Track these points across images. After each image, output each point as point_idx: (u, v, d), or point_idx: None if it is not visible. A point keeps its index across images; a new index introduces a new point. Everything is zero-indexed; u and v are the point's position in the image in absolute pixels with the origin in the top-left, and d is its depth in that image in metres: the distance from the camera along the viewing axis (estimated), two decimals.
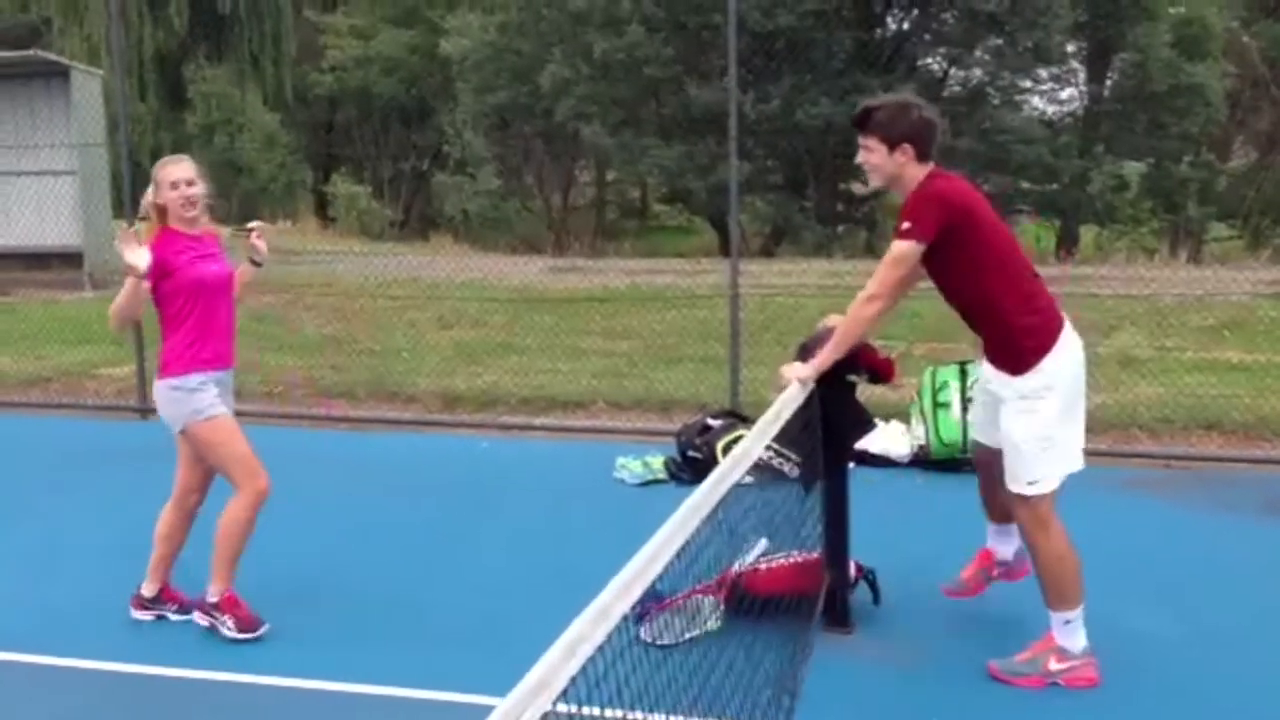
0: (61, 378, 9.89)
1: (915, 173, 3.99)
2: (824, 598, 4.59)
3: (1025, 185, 23.59)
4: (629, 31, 21.09)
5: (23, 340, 11.15)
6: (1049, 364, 3.92)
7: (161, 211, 4.45)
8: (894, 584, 4.90)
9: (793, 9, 20.45)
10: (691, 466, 6.76)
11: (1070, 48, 24.92)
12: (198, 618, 4.61)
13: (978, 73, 24.46)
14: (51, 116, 14.22)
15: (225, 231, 4.69)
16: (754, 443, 3.32)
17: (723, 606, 4.55)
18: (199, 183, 4.46)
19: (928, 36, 25.35)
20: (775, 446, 5.50)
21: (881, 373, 4.44)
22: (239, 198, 32.21)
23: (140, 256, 4.20)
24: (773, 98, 20.32)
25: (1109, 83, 26.57)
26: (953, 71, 25.45)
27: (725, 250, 28.25)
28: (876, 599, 4.75)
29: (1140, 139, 25.01)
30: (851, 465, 6.95)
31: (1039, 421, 3.93)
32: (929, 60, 25.53)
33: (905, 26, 24.81)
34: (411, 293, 12.32)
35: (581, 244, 24.87)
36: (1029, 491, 4.00)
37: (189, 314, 4.42)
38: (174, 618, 4.70)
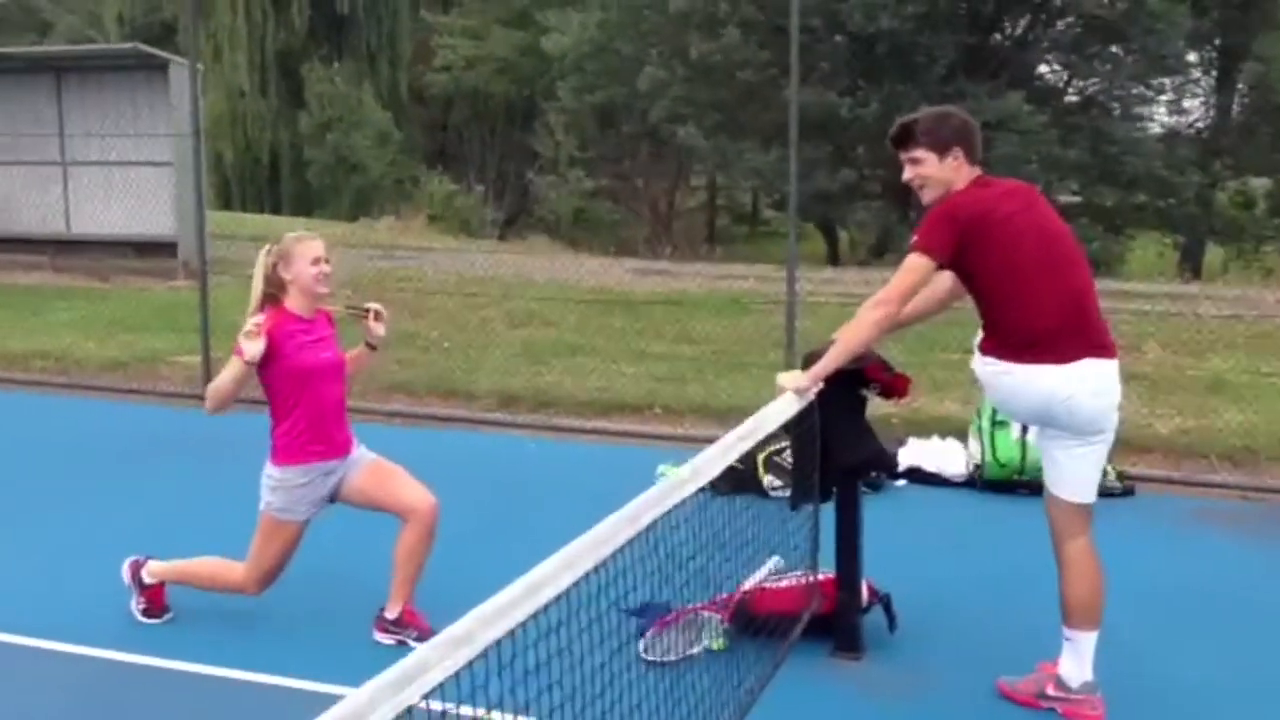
0: (137, 363, 10.08)
1: (966, 177, 3.90)
2: (835, 620, 4.40)
3: (1141, 199, 22.69)
4: (725, 34, 20.89)
5: (110, 325, 11.44)
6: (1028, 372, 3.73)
7: (280, 286, 4.30)
8: (920, 608, 4.67)
9: (896, 12, 20.05)
10: (732, 476, 6.55)
11: (1193, 57, 23.97)
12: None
13: (1092, 81, 23.67)
14: (152, 109, 14.58)
15: (339, 309, 4.51)
16: (714, 460, 3.13)
17: (726, 624, 4.38)
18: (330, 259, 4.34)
19: (1045, 44, 24.65)
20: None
21: (893, 389, 4.22)
22: (350, 194, 32.94)
23: (256, 346, 4.08)
24: (872, 102, 19.97)
25: (1236, 95, 25.51)
26: (1066, 79, 24.71)
27: (832, 258, 27.76)
28: (892, 626, 4.51)
29: (1266, 154, 23.92)
30: (902, 482, 6.83)
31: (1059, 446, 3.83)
32: (1042, 68, 24.81)
33: (1018, 32, 24.13)
34: (489, 291, 12.34)
35: (679, 249, 24.75)
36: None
37: (296, 402, 4.26)
38: (413, 644, 4.35)
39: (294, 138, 34.84)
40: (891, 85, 21.20)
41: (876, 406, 6.90)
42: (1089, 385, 3.70)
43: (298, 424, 4.27)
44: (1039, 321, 3.70)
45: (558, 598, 2.24)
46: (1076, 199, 23.33)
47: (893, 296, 3.81)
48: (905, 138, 3.92)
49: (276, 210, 31.99)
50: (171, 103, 13.94)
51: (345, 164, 32.87)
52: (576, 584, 2.31)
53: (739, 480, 6.40)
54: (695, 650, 4.29)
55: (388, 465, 4.51)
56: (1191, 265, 24.06)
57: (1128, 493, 6.57)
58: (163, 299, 13.17)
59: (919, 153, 3.89)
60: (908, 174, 3.95)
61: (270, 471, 4.33)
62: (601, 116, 27.74)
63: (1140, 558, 5.58)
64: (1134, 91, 24.03)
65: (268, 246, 4.38)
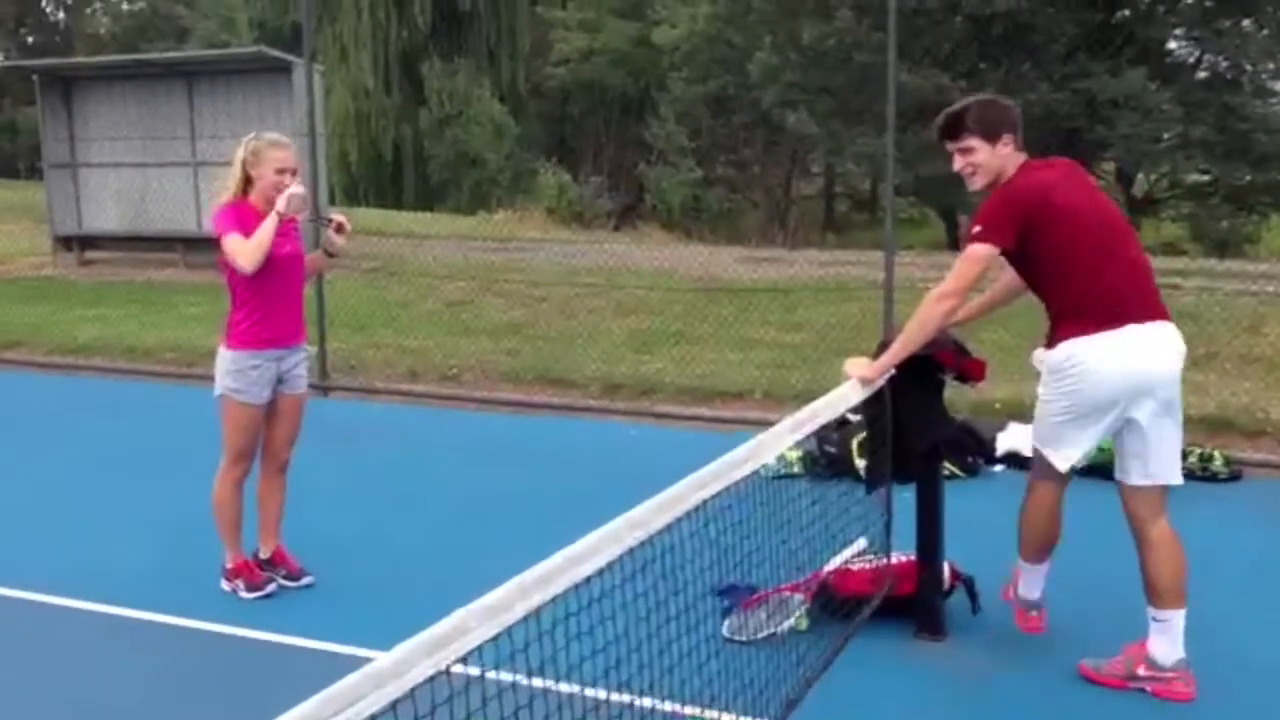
0: None
1: (1015, 163, 3.93)
2: (917, 602, 4.42)
3: (1274, 178, 21.79)
4: (839, 17, 20.70)
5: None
6: (1081, 346, 3.78)
7: (246, 180, 4.58)
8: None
9: None
10: (827, 462, 6.60)
11: None
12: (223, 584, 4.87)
13: (1219, 58, 22.82)
14: (277, 110, 15.04)
15: (304, 215, 4.71)
16: (765, 447, 3.18)
17: (808, 605, 4.43)
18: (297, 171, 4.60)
19: (1173, 19, 23.84)
20: None
21: (969, 374, 4.22)
22: (469, 187, 33.51)
23: (295, 199, 4.41)
24: (989, 84, 19.60)
25: None
26: (1193, 55, 23.86)
27: (953, 243, 27.35)
28: (975, 608, 4.51)
29: None
30: (1000, 467, 6.77)
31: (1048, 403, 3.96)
32: (1169, 44, 23.97)
33: (1143, 7, 23.35)
34: (597, 281, 12.49)
35: (796, 236, 24.64)
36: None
37: (255, 291, 4.55)
38: (282, 582, 4.93)
39: (415, 134, 35.56)
40: (1010, 66, 20.78)
41: (979, 393, 6.89)
42: (1167, 346, 3.79)
43: (254, 312, 4.57)
44: (1107, 296, 3.76)
45: (601, 570, 2.33)
46: (1205, 177, 22.56)
47: (958, 288, 3.87)
48: (956, 128, 3.94)
49: (399, 205, 32.69)
50: (295, 104, 14.38)
51: (465, 159, 33.44)
52: (621, 558, 2.41)
53: (834, 465, 6.47)
54: (778, 630, 4.35)
55: (297, 409, 4.83)
56: None
57: (1234, 478, 6.41)
58: None
59: (972, 141, 3.91)
60: (958, 164, 3.97)
61: (224, 354, 4.63)
62: (715, 105, 27.72)
63: (1241, 542, 5.48)
64: (1270, 66, 23.11)
65: (249, 136, 4.65)
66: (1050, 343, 3.89)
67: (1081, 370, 3.79)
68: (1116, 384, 3.76)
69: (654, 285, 12.26)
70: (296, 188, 4.47)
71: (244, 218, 4.49)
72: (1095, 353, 3.75)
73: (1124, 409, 3.79)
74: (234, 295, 4.64)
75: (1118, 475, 3.94)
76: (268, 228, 4.39)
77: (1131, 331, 3.74)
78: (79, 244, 16.38)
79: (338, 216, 4.79)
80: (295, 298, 4.74)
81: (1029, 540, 4.21)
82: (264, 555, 4.95)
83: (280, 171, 4.54)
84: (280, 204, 4.40)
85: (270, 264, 4.50)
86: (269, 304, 4.59)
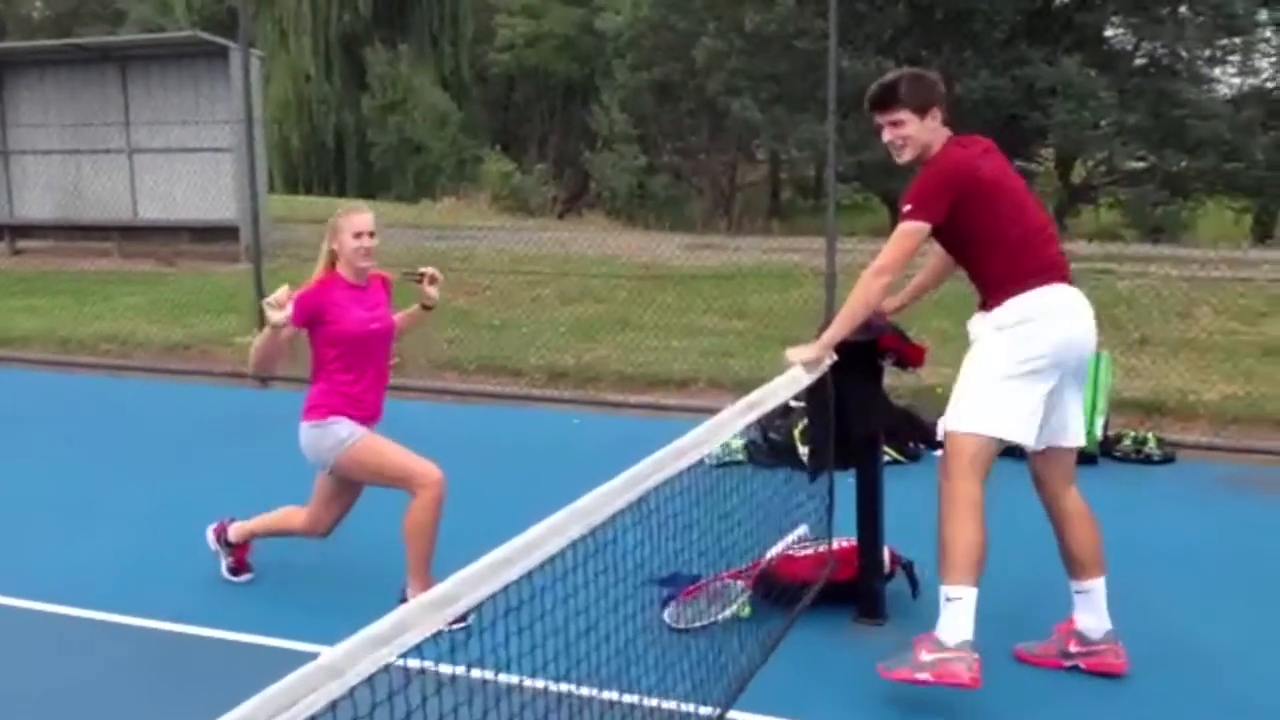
0: (199, 344, 10.36)
1: (941, 137, 3.96)
2: (857, 587, 4.47)
3: (1208, 164, 22.15)
4: (780, 3, 20.74)
5: (174, 309, 11.74)
6: (1029, 300, 3.80)
7: (331, 256, 4.50)
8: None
9: None
10: (770, 449, 6.64)
11: (1264, 15, 23.30)
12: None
13: (1157, 45, 23.14)
14: (213, 96, 14.83)
15: (395, 275, 4.70)
16: (710, 435, 3.19)
17: (750, 592, 4.46)
18: (376, 234, 4.50)
19: (1111, 5, 24.13)
20: None
21: (910, 360, 4.27)
22: (413, 174, 33.24)
23: (279, 314, 4.24)
24: (930, 69, 19.73)
25: None
26: (1132, 42, 24.17)
27: (895, 229, 27.62)
28: (915, 592, 4.57)
29: None
30: (939, 453, 6.83)
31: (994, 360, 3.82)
32: (1106, 31, 24.26)
33: None
34: (542, 269, 12.46)
35: (742, 223, 24.67)
36: (956, 427, 3.86)
37: (342, 365, 4.45)
38: (224, 566, 4.91)
39: (358, 121, 35.18)
40: (951, 53, 20.92)
41: (919, 379, 6.96)
42: (1077, 307, 3.86)
43: (338, 385, 4.45)
44: (1034, 261, 3.84)
45: (542, 564, 2.33)
46: (1141, 164, 22.88)
47: (892, 263, 3.89)
48: (889, 100, 3.95)
49: (342, 193, 32.32)
50: (231, 89, 14.16)
51: (408, 146, 33.14)
52: (564, 550, 2.40)
53: (778, 452, 6.51)
54: (720, 618, 4.38)
55: (359, 488, 4.70)
56: (1260, 230, 23.49)
57: (1168, 460, 6.54)
58: (226, 282, 13.42)
59: (903, 114, 3.92)
60: (888, 135, 3.98)
61: (310, 427, 4.45)
62: (659, 92, 27.72)
63: (1175, 524, 5.59)
64: (1205, 54, 23.46)
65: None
66: (989, 306, 3.87)
67: (1038, 320, 3.78)
68: (1070, 334, 3.81)
69: (598, 273, 12.25)
70: (271, 309, 4.31)
71: (323, 297, 4.41)
72: (1048, 303, 3.79)
73: (1066, 369, 3.83)
74: (317, 366, 4.52)
75: (1034, 445, 3.89)
76: (262, 338, 4.42)
77: (1065, 290, 3.85)
78: (10, 233, 16.07)
79: (428, 269, 4.72)
80: (381, 373, 4.60)
81: (1098, 550, 3.98)
82: (234, 539, 4.88)
83: (358, 235, 4.45)
84: (276, 316, 4.28)
85: (354, 339, 4.44)
86: (354, 379, 4.46)
